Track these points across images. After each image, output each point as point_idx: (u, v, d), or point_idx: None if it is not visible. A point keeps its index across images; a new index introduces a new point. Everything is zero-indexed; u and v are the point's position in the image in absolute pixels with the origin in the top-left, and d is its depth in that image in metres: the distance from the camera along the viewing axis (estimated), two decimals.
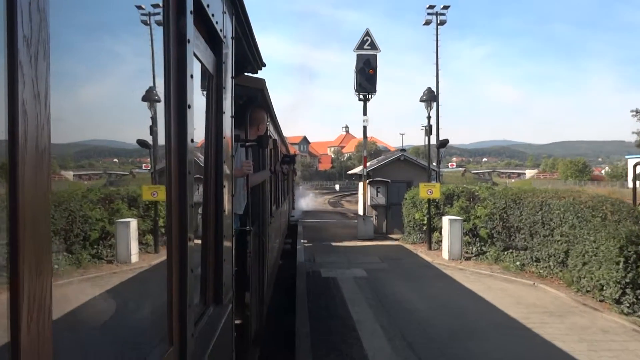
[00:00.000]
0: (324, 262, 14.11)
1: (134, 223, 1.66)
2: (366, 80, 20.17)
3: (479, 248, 14.68)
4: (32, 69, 0.89)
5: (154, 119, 1.74)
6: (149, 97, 1.78)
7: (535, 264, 12.20)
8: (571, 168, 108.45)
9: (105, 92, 1.49)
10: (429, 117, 18.62)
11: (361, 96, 20.55)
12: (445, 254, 14.70)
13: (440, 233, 15.76)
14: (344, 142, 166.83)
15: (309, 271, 12.47)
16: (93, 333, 1.30)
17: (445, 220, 14.80)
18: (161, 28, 1.70)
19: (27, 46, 0.88)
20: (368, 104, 20.67)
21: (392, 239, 19.50)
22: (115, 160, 1.87)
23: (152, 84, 1.80)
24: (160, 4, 1.67)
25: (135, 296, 1.61)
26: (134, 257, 1.64)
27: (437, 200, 16.32)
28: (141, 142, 1.68)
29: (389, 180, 21.16)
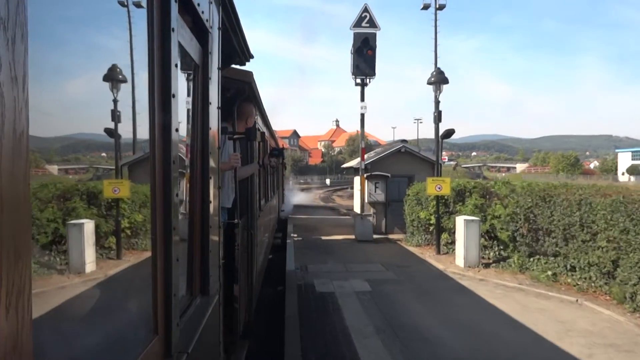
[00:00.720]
0: (319, 271, 11.93)
1: (89, 225, 1.43)
2: (364, 61, 17.62)
3: (497, 253, 12.82)
4: (8, 52, 0.88)
5: (134, 107, 1.73)
6: (131, 85, 1.77)
7: (570, 273, 10.28)
8: (563, 162, 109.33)
9: (87, 82, 1.48)
10: (437, 102, 15.33)
11: (358, 80, 18.01)
12: (459, 260, 12.60)
13: (450, 234, 14.08)
14: (334, 136, 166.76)
15: (300, 284, 10.47)
16: (75, 322, 1.29)
17: (460, 220, 12.56)
18: (145, 16, 1.69)
19: (3, 29, 0.87)
20: (366, 88, 18.08)
21: (393, 240, 17.49)
22: (104, 154, 1.86)
23: (134, 73, 1.79)
24: None
25: (121, 286, 1.60)
26: (89, 266, 1.40)
27: (446, 198, 14.38)
28: (107, 131, 1.55)
29: (389, 175, 18.95)
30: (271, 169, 7.34)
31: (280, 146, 18.15)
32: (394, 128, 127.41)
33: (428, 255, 14.33)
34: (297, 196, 49.56)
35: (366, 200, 18.44)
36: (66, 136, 1.39)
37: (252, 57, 4.33)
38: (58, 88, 1.31)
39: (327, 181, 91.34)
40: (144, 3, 1.68)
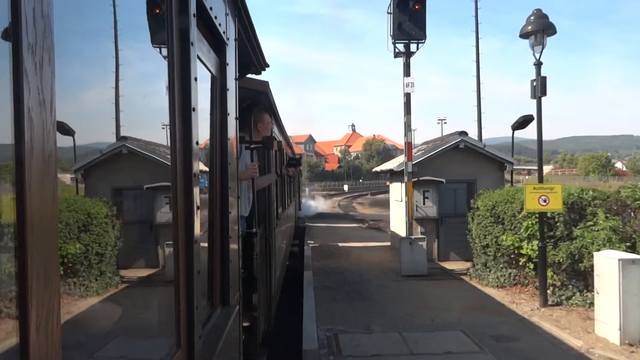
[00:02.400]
0: (359, 350, 6.81)
1: None
2: (410, 19, 11.85)
3: None
4: (37, 76, 0.90)
5: (156, 121, 1.76)
6: (155, 100, 1.80)
7: None
8: (593, 163, 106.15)
9: (110, 97, 1.50)
10: (538, 65, 9.31)
11: (400, 47, 12.34)
12: (606, 330, 7.22)
13: (557, 272, 9.29)
14: (350, 141, 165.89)
15: None
16: (101, 335, 1.31)
17: (609, 261, 7.27)
18: (165, 30, 1.72)
19: (32, 54, 0.88)
20: (412, 60, 12.41)
21: (453, 274, 12.19)
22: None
23: (157, 87, 1.81)
24: (163, 7, 1.68)
25: (144, 298, 1.62)
26: None
27: (553, 215, 9.50)
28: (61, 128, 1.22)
29: (443, 180, 13.59)
30: (288, 178, 7.36)
31: (296, 152, 18.17)
32: (414, 130, 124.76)
33: (528, 308, 9.00)
34: (315, 203, 47.77)
35: (413, 216, 12.81)
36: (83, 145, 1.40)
37: (267, 66, 4.36)
38: (79, 102, 1.33)
39: (345, 187, 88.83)
40: (163, 19, 1.70)
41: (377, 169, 20.05)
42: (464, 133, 14.36)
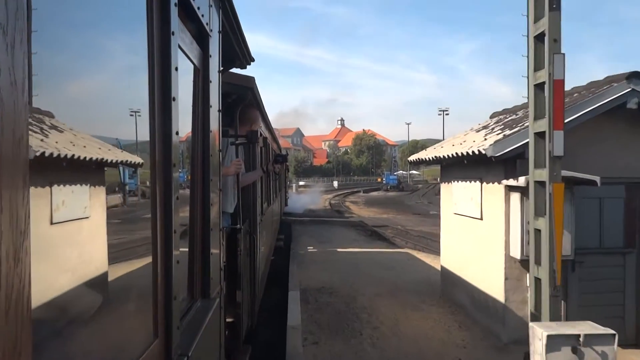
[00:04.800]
0: None
1: None
2: None
3: None
4: (8, 56, 0.89)
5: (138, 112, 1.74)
6: (134, 89, 1.78)
7: None
8: None
9: (89, 86, 1.49)
10: None
11: None
12: None
13: None
14: (339, 135, 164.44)
15: None
16: (74, 325, 1.30)
17: None
18: (145, 20, 1.70)
19: (2, 34, 0.87)
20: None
21: None
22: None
23: (137, 76, 1.80)
24: None
25: (121, 289, 1.61)
26: None
27: None
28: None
29: (597, 180, 6.39)
30: (274, 174, 7.35)
31: (283, 147, 17.73)
32: (408, 124, 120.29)
33: None
34: (303, 200, 44.48)
35: (512, 253, 6.89)
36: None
37: (253, 60, 4.34)
38: (59, 91, 1.32)
39: (335, 183, 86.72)
40: (143, 7, 1.69)
41: (424, 155, 10.05)
42: (636, 74, 6.90)
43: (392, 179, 76.69)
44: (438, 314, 8.26)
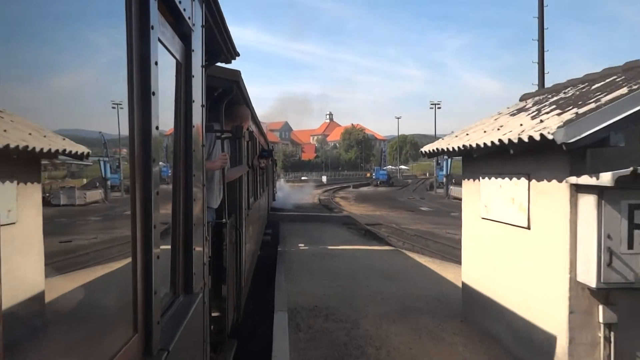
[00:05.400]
0: None
1: None
2: None
3: None
4: None
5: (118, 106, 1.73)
6: (113, 84, 1.77)
7: None
8: None
9: (65, 80, 1.48)
10: None
11: None
12: None
13: None
14: (327, 130, 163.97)
15: None
16: (51, 319, 1.29)
17: None
18: (124, 13, 1.69)
19: None
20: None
21: None
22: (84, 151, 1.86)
23: (115, 71, 1.78)
24: None
25: (99, 283, 1.60)
26: None
27: None
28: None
29: None
30: (259, 169, 7.34)
31: (270, 141, 17.42)
32: (398, 118, 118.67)
33: None
34: (292, 197, 43.63)
35: (579, 276, 4.97)
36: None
37: (238, 54, 4.32)
38: (36, 84, 1.31)
39: (324, 179, 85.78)
40: (122, 1, 1.68)
41: (445, 145, 7.80)
42: None
43: (382, 174, 76.35)
44: (464, 347, 6.44)
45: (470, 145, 6.51)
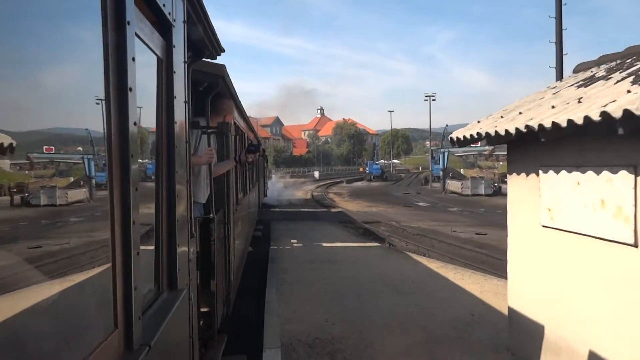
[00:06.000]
0: None
1: None
2: None
3: None
4: None
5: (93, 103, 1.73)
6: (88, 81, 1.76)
7: None
8: None
9: (40, 76, 1.47)
10: None
11: None
12: None
13: None
14: (319, 125, 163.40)
15: None
16: (28, 316, 1.29)
17: None
18: (99, 8, 1.68)
19: None
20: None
21: None
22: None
23: (91, 67, 1.78)
24: None
25: (78, 280, 1.61)
26: None
27: None
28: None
29: None
30: (247, 164, 7.32)
31: (260, 137, 17.20)
32: (391, 111, 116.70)
33: None
34: (283, 192, 44.06)
35: None
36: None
37: (223, 50, 4.30)
38: (7, 80, 1.31)
39: (316, 174, 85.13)
40: None
41: (491, 127, 5.57)
42: None
43: (375, 168, 75.84)
44: None
45: (540, 125, 4.51)
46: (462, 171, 68.59)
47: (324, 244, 15.10)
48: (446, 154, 52.48)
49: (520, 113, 5.56)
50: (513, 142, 5.72)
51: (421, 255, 14.36)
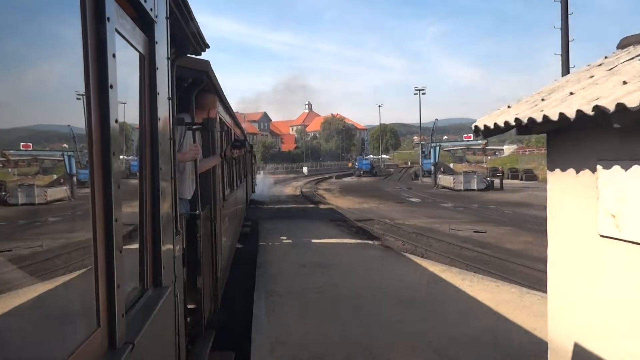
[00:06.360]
0: None
1: None
2: None
3: None
4: None
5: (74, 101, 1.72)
6: (68, 78, 1.75)
7: None
8: None
9: (18, 73, 1.46)
10: None
11: None
12: None
13: None
14: (307, 120, 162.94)
15: None
16: (9, 312, 1.29)
17: None
18: (78, 5, 1.67)
19: None
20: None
21: None
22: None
23: (71, 64, 1.76)
24: None
25: (59, 278, 1.60)
26: None
27: None
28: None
29: None
30: (232, 160, 7.30)
31: (247, 132, 16.98)
32: (380, 106, 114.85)
33: None
34: (272, 189, 43.78)
35: None
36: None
37: (207, 46, 4.28)
38: None
39: (305, 169, 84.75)
40: None
41: (535, 113, 4.28)
42: None
43: (364, 163, 75.04)
44: None
45: (619, 105, 3.39)
46: (451, 165, 68.71)
47: (316, 245, 14.38)
48: (437, 148, 52.35)
49: (571, 93, 4.46)
50: (556, 132, 4.69)
51: (420, 257, 13.57)
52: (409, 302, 8.14)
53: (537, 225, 18.98)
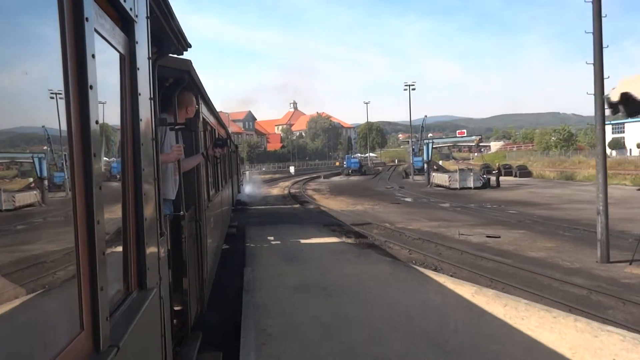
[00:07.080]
0: None
1: None
2: None
3: None
4: None
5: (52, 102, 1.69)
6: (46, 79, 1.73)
7: None
8: (555, 137, 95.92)
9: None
10: None
11: None
12: None
13: None
14: (292, 119, 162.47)
15: None
16: None
17: None
18: (56, 5, 1.65)
19: None
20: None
21: None
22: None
23: (50, 65, 1.74)
24: None
25: (41, 282, 1.58)
26: None
27: None
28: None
29: None
30: (215, 159, 7.24)
31: (233, 132, 16.75)
32: (367, 103, 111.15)
33: None
34: (258, 190, 42.20)
35: None
36: None
37: (189, 46, 4.25)
38: None
39: (292, 169, 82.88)
40: None
41: None
42: None
43: (353, 162, 73.18)
44: None
45: None
46: (440, 162, 68.74)
47: (312, 259, 12.30)
48: (430, 145, 51.39)
49: None
50: None
51: (435, 272, 11.48)
52: (446, 345, 6.01)
53: (552, 228, 18.40)
